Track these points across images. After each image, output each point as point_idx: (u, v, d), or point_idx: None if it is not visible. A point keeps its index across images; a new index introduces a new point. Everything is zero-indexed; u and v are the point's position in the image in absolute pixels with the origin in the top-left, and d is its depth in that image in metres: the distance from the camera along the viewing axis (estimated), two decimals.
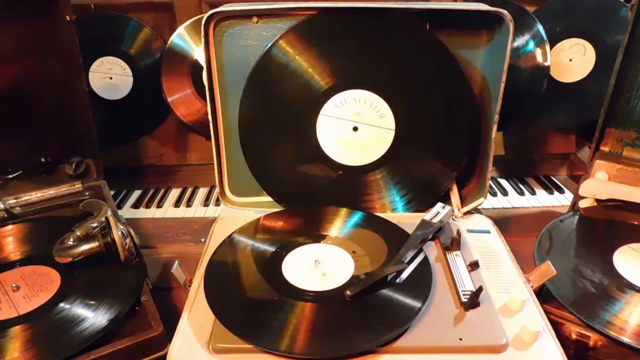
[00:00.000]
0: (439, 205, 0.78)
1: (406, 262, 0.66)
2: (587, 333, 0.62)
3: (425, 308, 0.60)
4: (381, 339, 0.55)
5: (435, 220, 0.75)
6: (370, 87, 0.80)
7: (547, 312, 0.63)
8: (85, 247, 0.68)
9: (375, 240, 0.74)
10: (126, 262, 0.69)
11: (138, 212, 1.05)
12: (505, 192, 1.10)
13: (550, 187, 1.12)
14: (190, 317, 0.60)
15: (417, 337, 0.57)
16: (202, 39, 0.76)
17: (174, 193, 1.12)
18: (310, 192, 0.86)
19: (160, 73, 1.06)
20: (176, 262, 0.64)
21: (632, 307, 0.63)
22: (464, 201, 0.85)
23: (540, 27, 1.01)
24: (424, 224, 0.74)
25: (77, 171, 0.87)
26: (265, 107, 0.82)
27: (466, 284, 0.64)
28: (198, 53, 1.05)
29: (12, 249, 0.75)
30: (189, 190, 1.13)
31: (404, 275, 0.65)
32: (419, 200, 0.86)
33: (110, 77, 1.07)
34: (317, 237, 0.74)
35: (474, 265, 0.68)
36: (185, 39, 1.05)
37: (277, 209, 0.84)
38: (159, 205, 1.07)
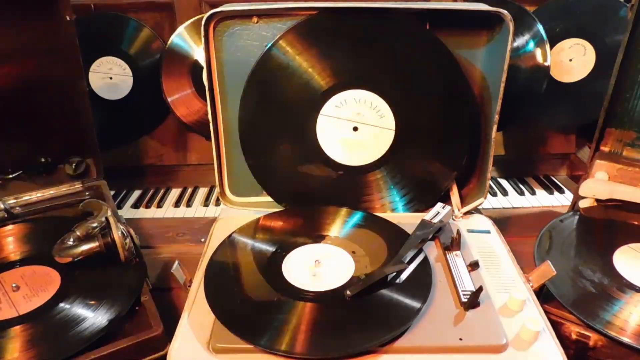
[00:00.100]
0: (439, 205, 0.78)
1: (406, 262, 0.66)
2: (587, 333, 0.62)
3: (425, 308, 0.60)
4: (381, 339, 0.55)
5: (435, 220, 0.75)
6: (370, 87, 0.80)
7: (547, 312, 0.63)
8: (85, 247, 0.68)
9: (375, 240, 0.74)
10: (126, 262, 0.69)
11: (138, 212, 1.05)
12: (505, 192, 1.10)
13: (550, 187, 1.12)
14: (190, 317, 0.60)
15: (417, 337, 0.57)
16: (202, 39, 0.76)
17: (174, 193, 1.12)
18: (310, 192, 0.86)
19: (160, 73, 1.06)
20: (176, 262, 0.64)
21: (632, 307, 0.63)
22: (464, 201, 0.85)
23: (540, 27, 1.01)
24: (424, 224, 0.74)
25: (77, 171, 0.87)
26: (265, 107, 0.82)
27: (466, 284, 0.64)
28: (198, 53, 1.05)
29: (12, 249, 0.75)
30: (189, 190, 1.13)
31: (404, 275, 0.65)
32: (419, 200, 0.86)
33: (110, 77, 1.07)
34: (317, 237, 0.74)
35: (474, 265, 0.68)
36: (185, 39, 1.05)
37: (277, 209, 0.84)
38: (159, 205, 1.07)
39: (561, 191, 1.10)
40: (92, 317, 0.61)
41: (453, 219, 0.81)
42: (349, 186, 0.85)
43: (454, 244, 0.71)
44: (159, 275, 0.80)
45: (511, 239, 0.77)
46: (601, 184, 0.84)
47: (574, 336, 0.62)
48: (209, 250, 0.72)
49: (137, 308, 0.64)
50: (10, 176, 0.84)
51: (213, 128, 0.82)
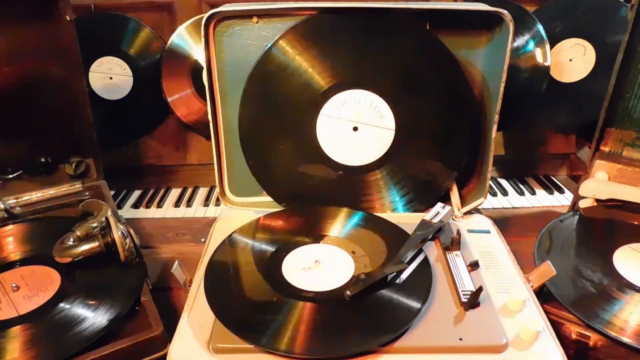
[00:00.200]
0: (439, 205, 0.78)
1: (406, 262, 0.66)
2: (587, 333, 0.62)
3: (425, 308, 0.60)
4: (381, 339, 0.55)
5: (435, 220, 0.75)
6: (370, 87, 0.80)
7: (547, 312, 0.63)
8: (85, 247, 0.68)
9: (375, 240, 0.74)
10: (126, 262, 0.69)
11: (138, 212, 1.05)
12: (505, 192, 1.10)
13: (550, 187, 1.12)
14: (190, 317, 0.60)
15: (417, 337, 0.57)
16: (202, 39, 0.76)
17: (174, 193, 1.12)
18: (310, 192, 0.86)
19: (160, 73, 1.06)
20: (176, 262, 0.64)
21: (632, 307, 0.63)
22: (464, 201, 0.85)
23: (540, 27, 1.01)
24: (424, 224, 0.74)
25: (77, 171, 0.87)
26: (265, 107, 0.82)
27: (466, 284, 0.64)
28: (198, 53, 1.05)
29: (12, 249, 0.75)
30: (189, 190, 1.13)
31: (404, 275, 0.65)
32: (419, 200, 0.86)
33: (110, 77, 1.07)
34: (317, 237, 0.74)
35: (474, 265, 0.68)
36: (185, 39, 1.05)
37: (277, 209, 0.84)
38: (159, 205, 1.07)
39: (561, 191, 1.10)
40: (92, 317, 0.61)
41: (453, 219, 0.81)
42: (349, 186, 0.85)
43: (454, 244, 0.71)
44: (159, 275, 0.80)
45: (511, 239, 0.77)
46: (601, 184, 0.84)
47: (574, 336, 0.62)
48: (209, 250, 0.72)
49: (137, 308, 0.64)
50: (10, 176, 0.84)
51: (213, 128, 0.82)
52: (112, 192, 0.97)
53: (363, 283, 0.61)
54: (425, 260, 0.68)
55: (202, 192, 1.12)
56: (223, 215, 0.84)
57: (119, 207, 1.06)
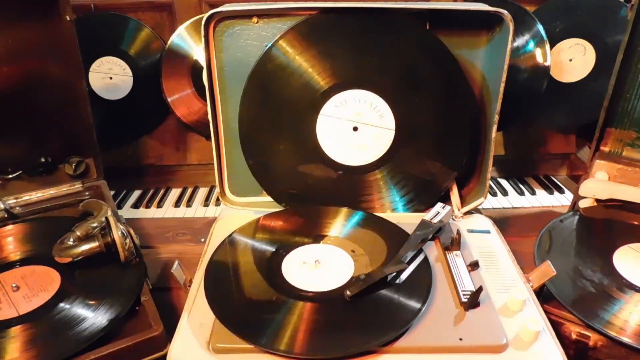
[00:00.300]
0: (439, 205, 0.78)
1: (406, 262, 0.66)
2: (587, 333, 0.62)
3: (425, 308, 0.60)
4: (381, 339, 0.55)
5: (435, 220, 0.75)
6: (370, 87, 0.80)
7: (547, 312, 0.63)
8: (85, 247, 0.68)
9: (375, 240, 0.74)
10: (126, 262, 0.69)
11: (138, 212, 1.05)
12: (505, 192, 1.10)
13: (550, 187, 1.12)
14: (190, 317, 0.60)
15: (417, 337, 0.57)
16: (202, 39, 0.76)
17: (174, 193, 1.12)
18: (310, 192, 0.86)
19: (160, 73, 1.06)
20: (176, 262, 0.64)
21: (632, 307, 0.63)
22: (464, 201, 0.85)
23: (540, 27, 1.01)
24: (424, 224, 0.74)
25: (77, 171, 0.87)
26: (265, 107, 0.82)
27: (466, 284, 0.64)
28: (198, 53, 1.05)
29: (12, 249, 0.75)
30: (189, 190, 1.13)
31: (404, 275, 0.65)
32: (419, 200, 0.86)
33: (110, 77, 1.07)
34: (317, 237, 0.74)
35: (474, 265, 0.68)
36: (185, 39, 1.05)
37: (277, 209, 0.84)
38: (159, 205, 1.07)
39: (561, 191, 1.10)
40: (92, 317, 0.61)
41: (453, 219, 0.81)
42: (349, 186, 0.85)
43: (454, 244, 0.71)
44: (159, 275, 0.80)
45: (511, 239, 0.77)
46: (601, 184, 0.84)
47: (574, 336, 0.62)
48: (209, 250, 0.72)
49: (137, 308, 0.64)
50: (10, 176, 0.84)
51: (213, 128, 0.82)
52: (112, 192, 0.97)
53: (363, 283, 0.61)
54: (425, 260, 0.68)
55: (202, 192, 1.13)
56: (223, 215, 0.84)
57: (119, 207, 1.06)
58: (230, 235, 0.74)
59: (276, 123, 0.82)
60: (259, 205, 0.86)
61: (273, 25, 0.78)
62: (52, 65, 0.81)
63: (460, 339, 0.56)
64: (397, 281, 0.64)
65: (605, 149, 0.86)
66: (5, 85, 0.80)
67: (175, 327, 0.59)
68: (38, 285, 0.67)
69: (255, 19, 0.78)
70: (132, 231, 0.71)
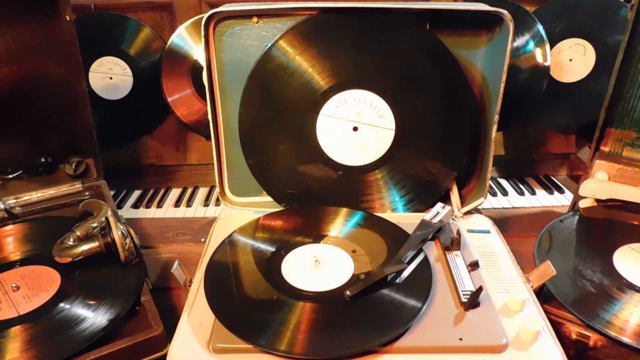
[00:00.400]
0: (439, 205, 0.78)
1: (406, 262, 0.66)
2: (587, 333, 0.62)
3: (425, 308, 0.60)
4: (381, 339, 0.55)
5: (435, 220, 0.75)
6: (370, 87, 0.80)
7: (547, 312, 0.63)
8: (85, 247, 0.68)
9: (375, 240, 0.74)
10: (126, 262, 0.69)
11: (138, 212, 1.05)
12: (505, 192, 1.10)
13: (550, 187, 1.12)
14: (190, 317, 0.60)
15: (417, 337, 0.57)
16: (202, 39, 0.76)
17: (174, 193, 1.12)
18: (310, 192, 0.86)
19: (160, 73, 1.06)
20: (176, 262, 0.64)
21: (632, 307, 0.63)
22: (464, 201, 0.85)
23: (540, 27, 1.01)
24: (424, 224, 0.74)
25: (77, 171, 0.87)
26: (265, 107, 0.82)
27: (466, 284, 0.64)
28: (198, 53, 1.05)
29: (12, 249, 0.75)
30: (189, 190, 1.13)
31: (404, 275, 0.65)
32: (419, 200, 0.86)
33: (110, 77, 1.07)
34: (317, 237, 0.74)
35: (474, 265, 0.68)
36: (185, 39, 1.05)
37: (277, 209, 0.84)
38: (159, 205, 1.07)
39: (561, 191, 1.10)
40: (92, 317, 0.61)
41: (453, 219, 0.81)
42: (349, 186, 0.85)
43: (454, 244, 0.71)
44: (159, 275, 0.80)
45: (511, 239, 0.77)
46: (601, 184, 0.84)
47: (574, 336, 0.62)
48: (209, 250, 0.72)
49: (137, 308, 0.64)
50: (10, 176, 0.84)
51: (213, 128, 0.82)
52: (112, 192, 0.97)
53: (363, 283, 0.61)
54: (425, 260, 0.68)
55: (202, 192, 1.13)
56: (223, 215, 0.84)
57: (119, 207, 1.06)
58: (230, 235, 0.74)
59: (276, 123, 0.82)
60: (259, 205, 0.86)
61: (273, 25, 0.79)
62: (52, 65, 0.81)
63: (460, 339, 0.56)
64: (397, 281, 0.64)
65: (605, 149, 0.86)
66: (5, 85, 0.80)
67: (175, 327, 0.59)
68: (38, 285, 0.67)
69: (255, 19, 0.78)
70: (132, 231, 0.71)
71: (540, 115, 1.10)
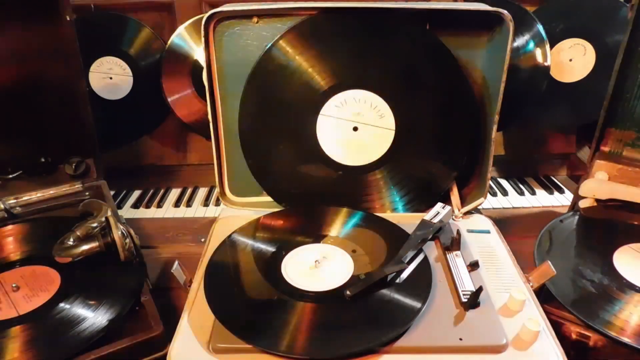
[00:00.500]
0: (439, 205, 0.78)
1: (406, 262, 0.66)
2: (587, 333, 0.62)
3: (425, 308, 0.60)
4: (381, 339, 0.55)
5: (435, 220, 0.75)
6: (370, 87, 0.80)
7: (547, 312, 0.63)
8: (85, 247, 0.68)
9: (375, 240, 0.74)
10: (126, 262, 0.69)
11: (138, 212, 1.05)
12: (505, 192, 1.10)
13: (550, 187, 1.12)
14: (190, 317, 0.60)
15: (417, 337, 0.57)
16: (202, 39, 0.76)
17: (174, 193, 1.12)
18: (310, 192, 0.86)
19: (160, 73, 1.06)
20: (176, 262, 0.64)
21: (632, 307, 0.63)
22: (464, 201, 0.85)
23: (540, 27, 1.01)
24: (424, 224, 0.74)
25: (77, 171, 0.87)
26: (265, 107, 0.82)
27: (466, 284, 0.64)
28: (198, 53, 1.05)
29: (12, 249, 0.75)
30: (189, 190, 1.13)
31: (404, 275, 0.65)
32: (419, 200, 0.86)
33: (110, 77, 1.07)
34: (317, 237, 0.74)
35: (474, 265, 0.68)
36: (185, 39, 1.05)
37: (277, 209, 0.84)
38: (159, 205, 1.07)
39: (561, 191, 1.10)
40: (92, 317, 0.61)
41: (453, 219, 0.81)
42: (349, 186, 0.85)
43: (454, 244, 0.71)
44: (159, 275, 0.80)
45: (511, 239, 0.77)
46: (601, 184, 0.84)
47: (574, 336, 0.62)
48: (209, 250, 0.72)
49: (137, 308, 0.64)
50: (10, 176, 0.84)
51: (213, 128, 0.82)
52: (112, 192, 0.97)
53: (363, 283, 0.61)
54: (425, 260, 0.68)
55: (202, 192, 1.13)
56: (223, 215, 0.84)
57: (119, 207, 1.06)
58: (230, 235, 0.74)
59: (276, 123, 0.82)
60: (259, 205, 0.86)
61: (273, 25, 0.78)
62: (52, 65, 0.81)
63: (460, 339, 0.56)
64: (397, 281, 0.64)
65: (605, 149, 0.86)
66: (6, 85, 0.80)
67: (175, 327, 0.59)
68: (38, 285, 0.67)
69: (255, 19, 0.78)
70: (132, 231, 0.71)
71: (540, 115, 1.10)
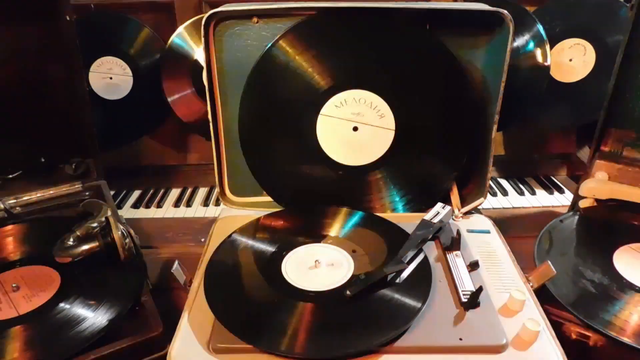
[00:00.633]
0: (439, 205, 0.78)
1: (406, 262, 0.66)
2: (587, 333, 0.62)
3: (425, 308, 0.60)
4: (381, 339, 0.55)
5: (435, 220, 0.75)
6: (370, 87, 0.80)
7: (547, 312, 0.63)
8: (85, 247, 0.68)
9: (375, 240, 0.74)
10: (126, 262, 0.69)
11: (138, 212, 1.05)
12: (505, 192, 1.10)
13: (550, 187, 1.12)
14: (190, 317, 0.60)
15: (417, 337, 0.57)
16: (202, 39, 0.76)
17: (174, 193, 1.12)
18: (310, 192, 0.86)
19: (160, 73, 1.06)
20: (176, 262, 0.64)
21: (632, 307, 0.63)
22: (464, 201, 0.85)
23: (540, 27, 1.01)
24: (424, 224, 0.74)
25: (77, 171, 0.87)
26: (265, 107, 0.82)
27: (466, 284, 0.64)
28: (198, 53, 1.05)
29: (12, 249, 0.75)
30: (189, 190, 1.13)
31: (404, 275, 0.65)
32: (419, 200, 0.86)
33: (110, 77, 1.07)
34: (317, 237, 0.74)
35: (474, 265, 0.68)
36: (185, 39, 1.05)
37: (277, 209, 0.83)
38: (159, 205, 1.07)
39: (561, 191, 1.10)
40: (92, 317, 0.61)
41: (453, 219, 0.81)
42: (349, 186, 0.85)
43: (454, 244, 0.71)
44: (159, 275, 0.80)
45: (511, 239, 0.77)
46: (601, 184, 0.84)
47: (574, 336, 0.62)
48: (209, 250, 0.72)
49: (137, 308, 0.64)
50: (10, 176, 0.84)
51: (213, 128, 0.82)
52: (112, 192, 0.97)
53: (363, 283, 0.61)
54: (425, 260, 0.68)
55: (202, 192, 1.13)
56: (223, 215, 0.84)
57: (119, 207, 1.06)
58: (230, 235, 0.74)
59: (276, 123, 0.82)
60: (259, 205, 0.86)
61: (273, 25, 0.78)
62: (53, 65, 0.81)
63: (460, 339, 0.56)
64: (397, 281, 0.64)
65: (605, 149, 0.86)
66: (6, 85, 0.80)
67: (175, 327, 0.59)
68: (38, 285, 0.67)
69: (255, 19, 0.78)
70: (132, 231, 0.71)
71: (540, 115, 1.10)
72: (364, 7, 0.77)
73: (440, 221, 0.75)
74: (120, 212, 1.03)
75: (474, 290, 0.61)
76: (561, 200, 1.07)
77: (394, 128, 0.82)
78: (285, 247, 0.71)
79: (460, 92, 0.81)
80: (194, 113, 1.08)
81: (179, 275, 0.64)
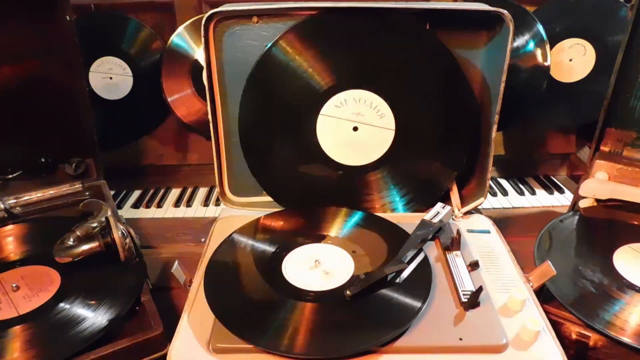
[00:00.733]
0: (439, 205, 0.78)
1: (406, 262, 0.66)
2: (587, 333, 0.62)
3: (425, 308, 0.60)
4: (381, 339, 0.55)
5: (435, 220, 0.75)
6: (370, 87, 0.80)
7: (547, 312, 0.63)
8: (85, 247, 0.68)
9: (375, 240, 0.74)
10: (126, 262, 0.69)
11: (138, 212, 1.05)
12: (505, 192, 1.10)
13: (550, 187, 1.12)
14: (190, 317, 0.60)
15: (417, 337, 0.57)
16: (202, 39, 0.76)
17: (174, 193, 1.12)
18: (310, 192, 0.86)
19: (160, 73, 1.06)
20: (176, 262, 0.64)
21: (632, 307, 0.63)
22: (464, 201, 0.85)
23: (540, 27, 1.01)
24: (424, 224, 0.74)
25: (77, 171, 0.87)
26: (265, 107, 0.82)
27: (466, 284, 0.64)
28: (198, 53, 1.05)
29: (12, 249, 0.75)
30: (189, 190, 1.13)
31: (404, 275, 0.65)
32: (419, 200, 0.86)
33: (110, 77, 1.07)
34: (317, 237, 0.74)
35: (474, 265, 0.68)
36: (185, 39, 1.05)
37: (277, 209, 0.84)
38: (159, 205, 1.07)
39: (561, 191, 1.10)
40: (92, 317, 0.61)
41: (453, 219, 0.81)
42: (349, 186, 0.85)
43: (454, 244, 0.71)
44: (159, 275, 0.80)
45: (511, 239, 0.77)
46: (601, 184, 0.84)
47: (574, 336, 0.62)
48: (209, 250, 0.72)
49: (137, 308, 0.64)
50: (10, 176, 0.84)
51: (213, 128, 0.82)
52: (112, 192, 0.97)
53: (363, 283, 0.61)
54: (425, 260, 0.68)
55: (202, 192, 1.13)
56: (223, 215, 0.84)
57: (119, 207, 1.06)
58: (230, 235, 0.74)
59: (276, 123, 0.82)
60: (259, 205, 0.86)
61: (273, 25, 0.78)
62: (52, 65, 0.81)
63: (460, 339, 0.56)
64: (397, 281, 0.64)
65: (605, 149, 0.86)
66: (6, 85, 0.80)
67: (175, 327, 0.59)
68: (38, 285, 0.67)
69: (255, 19, 0.78)
70: (132, 231, 0.71)
71: (540, 115, 1.10)
72: (364, 7, 0.77)
73: (440, 221, 0.75)
74: (120, 212, 1.03)
75: (474, 290, 0.61)
76: (561, 200, 1.07)
77: (394, 128, 0.82)
78: (286, 247, 0.71)
79: (460, 92, 0.81)
80: (194, 113, 1.08)
81: (179, 275, 0.64)
